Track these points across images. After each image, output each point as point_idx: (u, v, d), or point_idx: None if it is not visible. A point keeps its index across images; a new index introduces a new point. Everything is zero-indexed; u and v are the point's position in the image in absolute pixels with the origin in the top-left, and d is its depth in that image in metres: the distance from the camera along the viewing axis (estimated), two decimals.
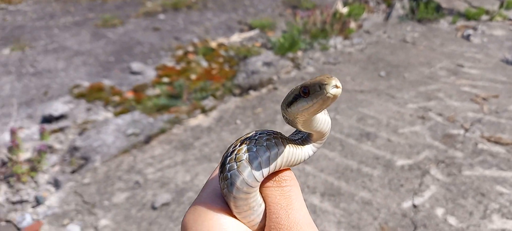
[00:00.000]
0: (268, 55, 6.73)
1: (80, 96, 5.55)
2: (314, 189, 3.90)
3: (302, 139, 0.73)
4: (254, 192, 0.64)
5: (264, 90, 5.82)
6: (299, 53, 7.09)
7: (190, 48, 7.17)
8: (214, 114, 5.20)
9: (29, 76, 6.23)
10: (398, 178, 3.99)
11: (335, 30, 7.95)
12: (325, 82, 0.61)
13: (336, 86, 0.61)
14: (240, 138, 0.67)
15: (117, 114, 5.12)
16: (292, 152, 0.68)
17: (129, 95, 5.58)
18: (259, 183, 0.64)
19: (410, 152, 4.38)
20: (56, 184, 4.00)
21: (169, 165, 4.26)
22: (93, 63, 6.65)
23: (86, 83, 5.87)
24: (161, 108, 5.22)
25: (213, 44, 7.27)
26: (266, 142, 0.65)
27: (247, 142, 0.65)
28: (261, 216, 0.65)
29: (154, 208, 3.70)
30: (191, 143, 4.62)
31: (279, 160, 0.65)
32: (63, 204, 3.74)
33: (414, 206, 3.65)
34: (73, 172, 4.18)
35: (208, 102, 5.40)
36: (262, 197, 0.67)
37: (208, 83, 5.80)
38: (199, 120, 5.08)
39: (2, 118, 5.13)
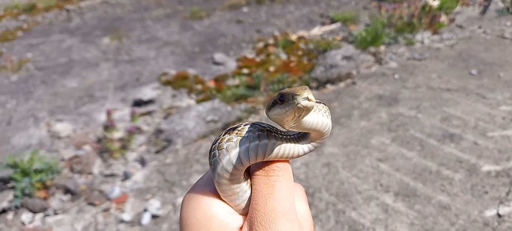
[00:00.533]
0: (349, 49, 6.61)
1: (167, 83, 5.97)
2: (388, 188, 3.79)
3: (299, 135, 0.75)
4: (235, 178, 0.67)
5: (341, 84, 5.74)
6: (382, 48, 6.85)
7: (271, 41, 7.29)
8: None
9: (124, 64, 6.84)
10: (483, 184, 3.72)
11: (423, 24, 7.54)
12: (297, 94, 0.63)
13: (308, 99, 0.63)
14: (229, 127, 0.72)
15: (198, 101, 5.42)
16: (279, 146, 0.69)
17: (211, 84, 5.86)
18: (239, 171, 0.67)
19: (499, 157, 4.04)
20: (142, 162, 4.38)
21: None
22: (180, 53, 7.09)
23: (172, 72, 6.29)
24: (239, 98, 5.42)
25: (293, 37, 7.31)
26: (248, 133, 0.68)
27: (231, 132, 0.69)
28: (246, 202, 0.69)
29: None
30: None
31: (260, 151, 0.68)
32: (147, 180, 4.09)
33: (499, 215, 3.38)
34: (157, 152, 4.54)
35: None
36: (251, 184, 0.70)
37: (286, 76, 5.88)
38: None
39: (101, 100, 5.71)
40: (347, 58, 6.32)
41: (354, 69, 6.11)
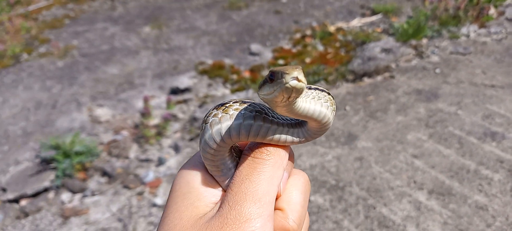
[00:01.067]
0: (388, 42, 6.42)
1: (203, 72, 6.05)
2: (422, 185, 3.68)
3: (296, 122, 0.73)
4: (220, 150, 0.68)
5: (379, 78, 5.60)
6: (424, 41, 6.60)
7: (308, 32, 7.21)
8: None
9: (163, 52, 7.00)
10: None
11: (469, 17, 7.18)
12: (286, 72, 0.59)
13: (297, 79, 0.59)
14: (219, 103, 0.71)
15: (233, 91, 5.47)
16: (273, 130, 0.68)
17: (246, 74, 5.89)
18: (226, 144, 0.67)
19: None
20: (176, 148, 4.48)
21: None
22: (217, 42, 7.16)
23: (209, 61, 6.37)
24: None
25: (332, 29, 7.19)
26: (245, 111, 0.67)
27: (218, 108, 0.69)
28: (230, 179, 0.70)
29: None
30: None
31: (252, 131, 0.67)
32: (180, 166, 4.19)
33: None
34: (191, 139, 4.63)
35: (319, 86, 5.41)
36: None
37: (322, 67, 5.80)
38: None
39: (139, 87, 5.88)
40: (386, 51, 6.15)
41: (393, 63, 5.93)
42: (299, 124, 0.73)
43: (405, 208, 3.47)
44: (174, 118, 5.03)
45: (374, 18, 7.71)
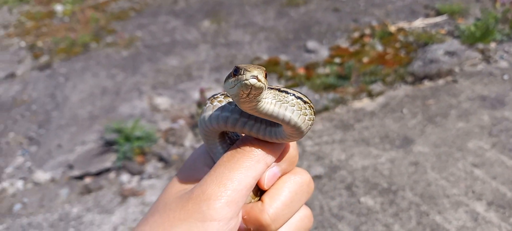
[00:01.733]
0: (453, 44, 6.12)
1: None
2: (480, 195, 3.51)
3: (273, 122, 0.75)
4: (207, 136, 0.75)
5: (440, 81, 5.37)
6: (492, 45, 6.23)
7: (367, 31, 7.06)
8: (380, 99, 5.09)
9: (220, 46, 7.18)
10: None
11: None
12: (248, 70, 0.61)
13: (257, 78, 0.61)
14: (212, 94, 0.77)
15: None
16: (250, 125, 0.72)
17: (301, 71, 5.89)
18: (213, 128, 0.73)
19: None
20: None
21: (327, 141, 4.41)
22: (274, 39, 7.22)
23: (265, 57, 6.45)
24: (328, 87, 5.37)
25: (392, 28, 6.99)
26: (218, 103, 0.74)
27: (210, 98, 0.76)
28: None
29: None
30: (352, 124, 4.66)
31: (221, 121, 0.72)
32: None
33: None
34: None
35: (376, 87, 5.30)
36: None
37: (379, 68, 5.67)
38: (364, 103, 5.05)
39: (197, 79, 6.09)
40: (450, 53, 5.88)
41: (457, 66, 5.66)
42: (275, 124, 0.75)
43: (460, 217, 3.33)
44: None
45: (438, 19, 7.38)
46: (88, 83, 6.49)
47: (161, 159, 4.46)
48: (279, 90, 0.74)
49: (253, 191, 0.74)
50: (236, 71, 0.65)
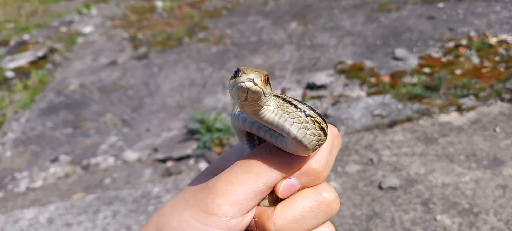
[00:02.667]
0: None
1: (341, 72, 6.07)
2: None
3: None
4: (237, 133, 0.79)
5: None
6: None
7: (463, 42, 6.59)
8: (470, 115, 4.73)
9: (305, 48, 7.21)
10: None
11: None
12: (245, 72, 0.60)
13: (253, 82, 0.59)
14: None
15: (369, 94, 5.36)
16: (257, 125, 0.73)
17: (385, 79, 5.70)
18: (239, 126, 0.76)
19: None
20: None
21: (406, 153, 4.23)
22: (360, 44, 7.06)
23: (349, 61, 6.35)
24: (413, 97, 5.13)
25: (493, 40, 6.43)
26: None
27: None
28: None
29: (380, 188, 3.81)
30: (436, 138, 4.40)
31: (241, 120, 0.74)
32: None
33: None
34: None
35: (467, 101, 4.94)
36: None
37: (473, 81, 5.27)
38: (452, 117, 4.74)
39: (278, 78, 6.20)
40: None
41: None
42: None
43: None
44: None
45: None
46: (179, 74, 6.95)
47: None
48: (284, 99, 0.71)
49: (272, 197, 0.74)
50: (236, 73, 0.64)
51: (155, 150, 4.94)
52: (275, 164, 0.70)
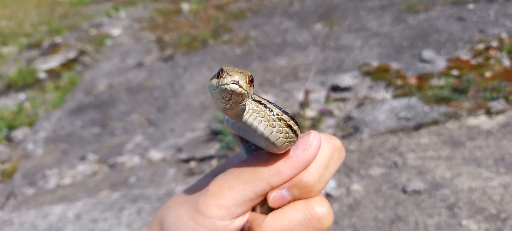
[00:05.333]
0: None
1: (366, 73, 5.99)
2: None
3: None
4: (233, 136, 0.84)
5: None
6: None
7: (494, 43, 6.39)
8: (500, 118, 4.59)
9: (330, 50, 7.16)
10: None
11: None
12: (229, 74, 0.57)
13: (238, 84, 0.57)
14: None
15: (395, 96, 5.27)
16: (237, 126, 0.77)
17: (412, 81, 5.60)
18: (231, 133, 0.80)
19: None
20: None
21: (432, 156, 4.14)
22: (386, 45, 6.96)
23: (375, 63, 6.26)
24: (440, 100, 5.02)
25: None
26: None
27: None
28: None
29: (404, 191, 3.74)
30: (463, 142, 4.29)
31: (230, 123, 0.79)
32: None
33: None
34: (342, 137, 4.69)
35: (497, 105, 4.79)
36: None
37: (503, 84, 5.10)
38: (480, 120, 4.61)
39: (302, 80, 6.18)
40: None
41: None
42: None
43: None
44: (330, 113, 5.15)
45: None
46: (203, 75, 7.04)
47: None
48: (258, 101, 0.72)
49: (266, 205, 0.75)
50: (219, 74, 0.63)
51: (179, 149, 5.02)
52: (264, 173, 0.70)
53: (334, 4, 9.58)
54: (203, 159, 4.79)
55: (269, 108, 0.72)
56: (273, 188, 0.72)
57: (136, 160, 5.04)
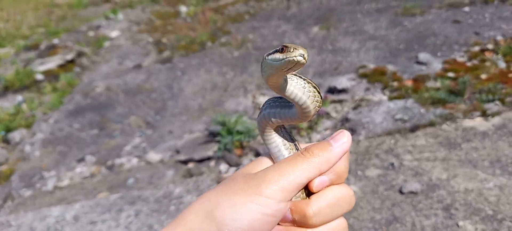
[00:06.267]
0: None
1: (363, 76, 6.03)
2: None
3: (289, 104, 0.88)
4: (264, 128, 0.91)
5: None
6: None
7: (490, 46, 6.45)
8: (495, 120, 4.63)
9: (327, 53, 7.20)
10: None
11: None
12: (297, 49, 0.72)
13: (303, 57, 0.72)
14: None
15: (391, 98, 5.31)
16: (274, 113, 0.88)
17: (408, 83, 5.64)
18: (265, 123, 0.89)
19: None
20: None
21: (428, 157, 4.17)
22: (383, 48, 7.01)
23: (371, 66, 6.30)
24: (436, 102, 5.06)
25: None
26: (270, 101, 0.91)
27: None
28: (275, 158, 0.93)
29: (401, 192, 3.77)
30: (459, 143, 4.33)
31: (269, 115, 0.89)
32: None
33: None
34: None
35: (493, 107, 4.83)
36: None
37: (499, 86, 5.15)
38: (476, 122, 4.65)
39: None
40: None
41: None
42: (289, 106, 0.89)
43: None
44: (327, 115, 5.18)
45: None
46: (201, 78, 7.06)
47: (257, 153, 4.68)
48: (293, 74, 0.85)
49: (304, 191, 0.88)
50: (283, 48, 0.76)
51: (177, 151, 5.04)
52: (315, 163, 0.84)
53: (331, 7, 9.63)
54: (201, 160, 4.80)
55: (300, 77, 0.85)
56: (320, 174, 0.86)
57: (134, 161, 5.06)
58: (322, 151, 0.86)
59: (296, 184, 0.83)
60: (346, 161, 0.90)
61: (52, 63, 8.50)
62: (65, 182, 4.88)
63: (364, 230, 3.51)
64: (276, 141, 0.94)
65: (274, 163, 0.92)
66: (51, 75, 8.04)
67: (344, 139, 0.88)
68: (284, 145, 0.94)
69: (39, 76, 7.99)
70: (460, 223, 3.39)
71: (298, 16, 9.45)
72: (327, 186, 0.88)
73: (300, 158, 0.85)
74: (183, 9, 11.39)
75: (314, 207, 0.83)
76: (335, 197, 0.86)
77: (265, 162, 0.95)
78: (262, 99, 5.83)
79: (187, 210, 0.86)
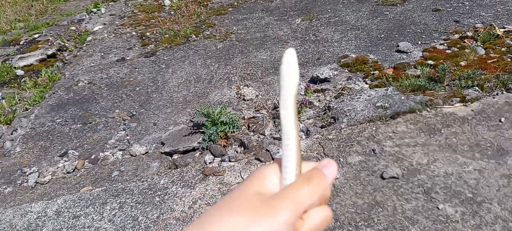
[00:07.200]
0: None
1: (345, 65, 6.09)
2: None
3: None
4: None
5: None
6: None
7: (469, 33, 6.57)
8: (474, 106, 4.73)
9: (309, 43, 7.24)
10: None
11: None
12: None
13: None
14: None
15: (372, 87, 5.38)
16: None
17: (389, 71, 5.72)
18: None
19: None
20: (307, 133, 4.67)
21: (408, 143, 4.25)
22: (364, 38, 7.07)
23: (352, 55, 6.37)
24: (416, 89, 5.14)
25: (500, 31, 6.40)
26: None
27: None
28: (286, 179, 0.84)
29: (382, 177, 3.84)
30: (439, 128, 4.42)
31: None
32: (307, 149, 4.37)
33: None
34: (322, 127, 4.77)
35: (472, 93, 4.93)
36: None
37: (478, 73, 5.26)
38: (455, 108, 4.75)
39: None
40: None
41: None
42: None
43: None
44: (310, 104, 5.22)
45: None
46: (186, 70, 7.03)
47: (242, 144, 4.70)
48: None
49: None
50: None
51: (162, 143, 5.03)
52: (318, 191, 0.81)
53: None
54: (186, 152, 4.81)
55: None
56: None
57: (118, 155, 5.03)
58: (322, 180, 0.84)
59: (307, 204, 0.81)
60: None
61: (32, 58, 8.36)
62: (47, 178, 4.83)
63: (346, 215, 3.57)
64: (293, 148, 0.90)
65: (280, 170, 0.91)
66: (31, 70, 7.91)
67: (334, 168, 0.86)
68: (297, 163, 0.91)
69: (20, 72, 7.85)
70: (441, 206, 3.47)
71: (281, 8, 9.46)
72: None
73: (312, 180, 0.82)
74: (167, 2, 11.30)
75: (307, 226, 0.82)
76: (321, 218, 0.84)
77: (271, 179, 0.93)
78: (246, 91, 5.85)
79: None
